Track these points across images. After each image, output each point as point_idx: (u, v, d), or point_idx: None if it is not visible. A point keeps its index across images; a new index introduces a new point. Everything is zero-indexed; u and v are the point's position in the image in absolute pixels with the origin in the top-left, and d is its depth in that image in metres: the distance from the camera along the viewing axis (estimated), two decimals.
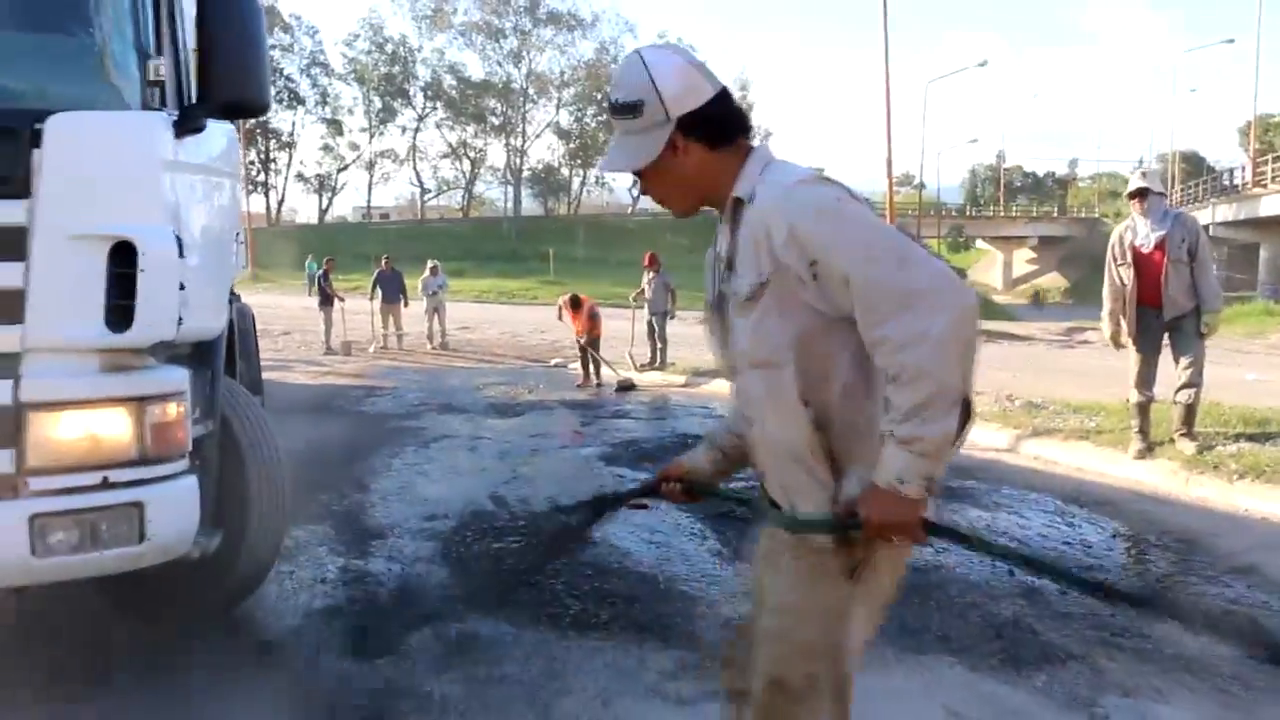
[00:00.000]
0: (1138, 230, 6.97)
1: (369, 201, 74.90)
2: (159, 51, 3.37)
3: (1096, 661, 3.84)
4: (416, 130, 69.17)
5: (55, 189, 3.00)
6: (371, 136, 68.87)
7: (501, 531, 5.70)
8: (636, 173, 2.09)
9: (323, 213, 70.77)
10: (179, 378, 3.29)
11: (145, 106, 3.23)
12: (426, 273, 19.75)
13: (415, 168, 71.03)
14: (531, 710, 3.46)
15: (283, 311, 20.20)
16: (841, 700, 2.08)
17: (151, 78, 3.24)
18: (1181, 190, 54.49)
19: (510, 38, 66.99)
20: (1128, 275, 6.97)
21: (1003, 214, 74.43)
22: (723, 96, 2.02)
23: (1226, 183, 47.95)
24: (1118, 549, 5.53)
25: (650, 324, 15.19)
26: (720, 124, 2.02)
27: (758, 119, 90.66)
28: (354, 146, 68.98)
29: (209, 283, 3.72)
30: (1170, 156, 64.57)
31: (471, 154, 70.37)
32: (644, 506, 2.51)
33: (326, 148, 68.18)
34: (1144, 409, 7.09)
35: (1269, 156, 43.86)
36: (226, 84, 3.25)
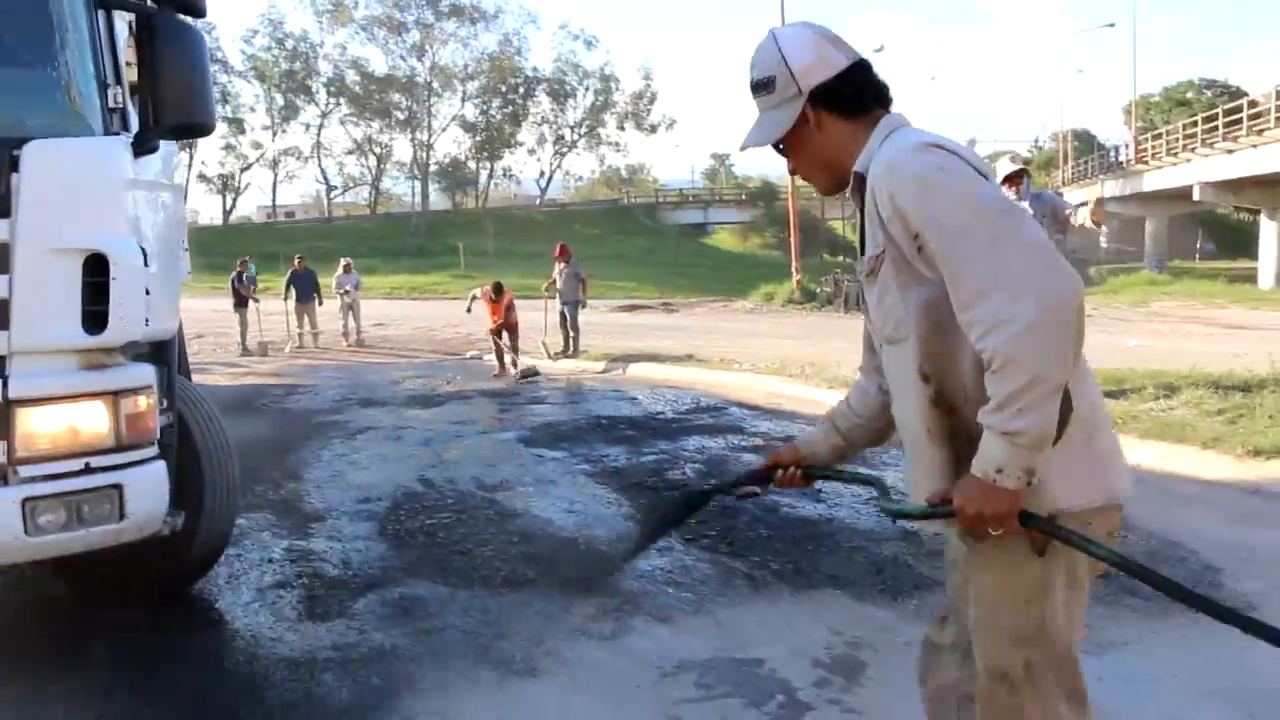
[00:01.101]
0: None
1: (274, 201, 73.61)
2: (110, 80, 3.68)
3: None
4: (320, 127, 68.20)
5: (33, 208, 3.34)
6: (274, 134, 67.60)
7: (433, 509, 6.13)
8: (782, 151, 2.06)
9: (227, 213, 69.41)
10: (148, 372, 3.67)
11: (107, 131, 3.58)
12: (340, 271, 19.93)
13: (320, 165, 70.15)
14: (473, 652, 3.91)
15: (193, 314, 19.86)
16: (1072, 689, 1.93)
17: (111, 105, 3.59)
18: (1073, 167, 56.55)
19: (413, 31, 66.41)
20: None
21: None
22: (857, 68, 1.97)
23: (1113, 159, 49.87)
24: None
25: (563, 313, 15.58)
26: (855, 95, 1.97)
27: (661, 109, 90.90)
28: (257, 145, 67.58)
29: (166, 287, 4.07)
30: (1062, 135, 66.92)
31: (377, 149, 69.68)
32: (755, 494, 2.59)
33: (228, 147, 66.56)
34: None
35: (1149, 135, 45.82)
36: (175, 108, 3.59)
